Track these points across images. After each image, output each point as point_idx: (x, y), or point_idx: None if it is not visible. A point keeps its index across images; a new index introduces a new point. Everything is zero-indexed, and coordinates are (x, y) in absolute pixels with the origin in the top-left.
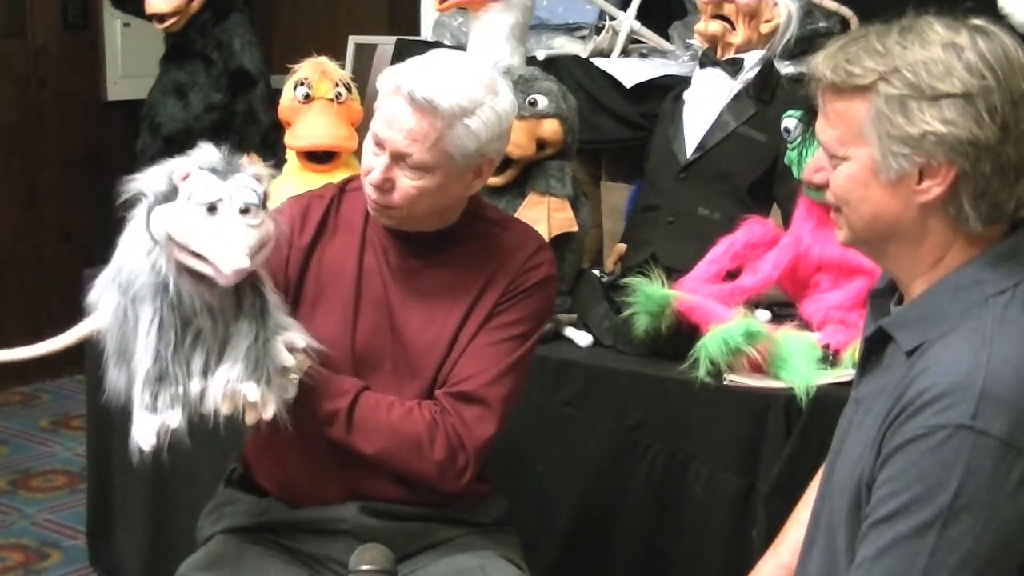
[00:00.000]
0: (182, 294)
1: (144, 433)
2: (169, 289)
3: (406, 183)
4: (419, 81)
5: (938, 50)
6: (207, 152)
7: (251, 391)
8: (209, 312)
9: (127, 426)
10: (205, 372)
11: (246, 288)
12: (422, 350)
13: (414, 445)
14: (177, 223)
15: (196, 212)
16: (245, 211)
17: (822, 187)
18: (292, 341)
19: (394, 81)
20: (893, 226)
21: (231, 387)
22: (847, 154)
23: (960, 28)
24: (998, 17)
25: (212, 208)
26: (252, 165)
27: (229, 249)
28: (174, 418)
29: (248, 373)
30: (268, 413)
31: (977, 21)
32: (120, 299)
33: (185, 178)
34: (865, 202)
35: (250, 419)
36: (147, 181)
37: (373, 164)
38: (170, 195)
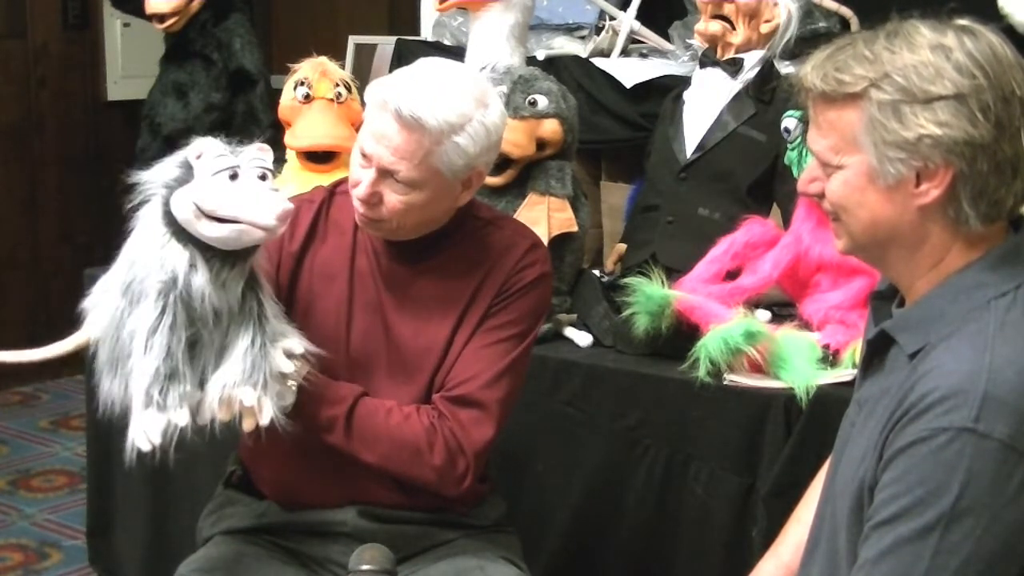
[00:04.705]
0: (192, 293)
1: (149, 431)
2: (179, 285)
3: (394, 198)
4: (406, 97)
5: (927, 53)
6: (208, 140)
7: (247, 395)
8: (214, 315)
9: (127, 427)
10: (202, 383)
11: (246, 292)
12: (417, 353)
13: (413, 451)
14: (203, 193)
15: (219, 180)
16: (263, 178)
17: (817, 197)
18: (290, 348)
19: (381, 95)
20: (893, 231)
21: (227, 392)
22: (841, 162)
23: (946, 30)
24: (987, 17)
25: (234, 175)
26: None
27: (261, 203)
28: (182, 417)
29: (244, 378)
30: (265, 419)
31: (962, 22)
32: (122, 302)
33: (199, 156)
34: (863, 208)
35: (247, 425)
36: (156, 174)
37: (360, 177)
38: (185, 179)
